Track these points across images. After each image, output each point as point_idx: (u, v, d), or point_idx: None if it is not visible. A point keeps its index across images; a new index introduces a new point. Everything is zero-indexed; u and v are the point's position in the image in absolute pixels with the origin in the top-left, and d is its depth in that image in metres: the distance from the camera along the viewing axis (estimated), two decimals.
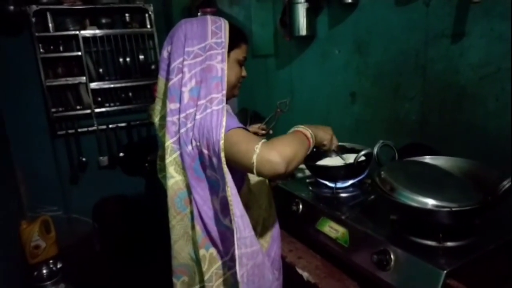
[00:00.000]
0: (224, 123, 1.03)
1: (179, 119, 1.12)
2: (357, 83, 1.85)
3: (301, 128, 1.13)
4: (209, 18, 1.16)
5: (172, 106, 1.14)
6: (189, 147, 1.10)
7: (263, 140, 0.99)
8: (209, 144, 1.05)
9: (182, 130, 1.11)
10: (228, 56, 1.15)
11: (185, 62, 1.11)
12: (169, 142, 1.16)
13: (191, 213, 1.18)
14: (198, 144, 1.09)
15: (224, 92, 1.08)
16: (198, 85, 1.10)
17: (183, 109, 1.10)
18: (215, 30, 1.13)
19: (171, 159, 1.17)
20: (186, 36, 1.12)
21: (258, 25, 2.56)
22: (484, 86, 1.31)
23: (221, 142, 1.01)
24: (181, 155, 1.14)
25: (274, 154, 0.95)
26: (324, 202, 1.37)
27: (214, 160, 1.05)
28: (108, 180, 3.73)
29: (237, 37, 1.18)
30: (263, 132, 1.64)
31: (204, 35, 1.12)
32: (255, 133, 1.60)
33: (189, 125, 1.10)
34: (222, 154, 1.01)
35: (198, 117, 1.08)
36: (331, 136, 1.23)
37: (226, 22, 1.17)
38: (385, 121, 1.72)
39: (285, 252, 1.36)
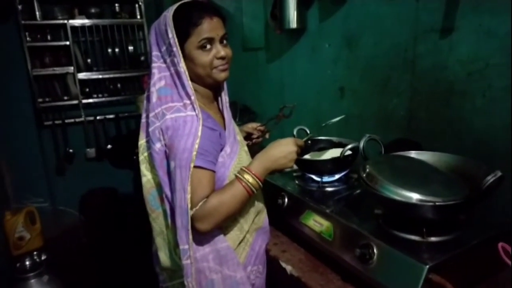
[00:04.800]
0: (199, 134, 1.04)
1: (148, 117, 1.13)
2: (346, 77, 1.84)
3: (249, 178, 1.08)
4: (163, 15, 1.12)
5: (145, 106, 1.17)
6: (158, 145, 1.11)
7: (204, 200, 1.04)
8: (172, 147, 1.06)
9: (151, 129, 1.12)
10: (183, 50, 1.09)
11: (154, 64, 1.13)
12: (143, 141, 1.20)
13: (165, 211, 1.17)
14: (165, 142, 1.09)
15: (193, 97, 1.08)
16: (168, 87, 1.11)
17: (151, 108, 1.12)
18: (165, 28, 1.09)
19: (142, 157, 1.21)
20: (152, 41, 1.15)
21: (249, 17, 2.53)
22: (472, 82, 1.30)
23: (194, 153, 1.03)
24: (150, 153, 1.14)
25: (205, 224, 1.04)
26: (310, 195, 1.36)
27: (171, 163, 1.06)
28: (95, 172, 3.69)
29: (183, 26, 1.08)
30: (258, 134, 1.50)
31: (163, 36, 1.11)
32: (250, 134, 1.50)
33: (157, 123, 1.10)
34: (192, 165, 1.03)
35: (168, 116, 1.07)
36: (292, 155, 1.15)
37: (170, 11, 1.09)
38: (374, 116, 1.71)
39: (270, 245, 1.35)
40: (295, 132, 1.56)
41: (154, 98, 1.11)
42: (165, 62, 1.12)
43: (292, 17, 1.94)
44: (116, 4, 3.53)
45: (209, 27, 1.08)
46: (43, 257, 2.60)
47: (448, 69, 1.37)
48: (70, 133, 3.56)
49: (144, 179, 1.20)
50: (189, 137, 1.03)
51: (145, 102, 1.18)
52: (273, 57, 2.40)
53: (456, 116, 1.36)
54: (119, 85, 3.63)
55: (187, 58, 1.10)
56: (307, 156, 1.49)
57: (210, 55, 1.11)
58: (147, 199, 1.21)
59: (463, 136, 1.35)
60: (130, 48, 3.59)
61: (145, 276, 2.71)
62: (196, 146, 1.03)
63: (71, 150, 3.60)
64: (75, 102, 3.43)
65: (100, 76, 3.49)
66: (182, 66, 1.08)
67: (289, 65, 2.25)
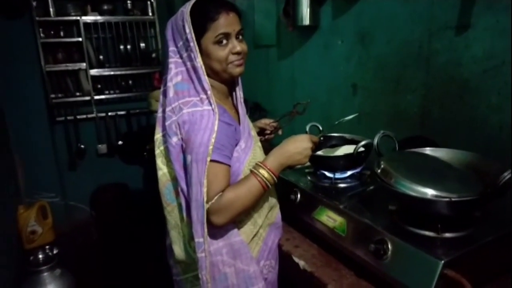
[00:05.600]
0: (216, 128, 1.05)
1: (165, 111, 1.14)
2: (359, 74, 1.83)
3: (265, 173, 1.09)
4: (180, 11, 1.13)
5: (162, 100, 1.18)
6: (174, 139, 1.11)
7: (220, 194, 1.06)
8: (188, 141, 1.06)
9: (167, 123, 1.12)
10: (200, 45, 1.10)
11: (171, 59, 1.14)
12: (159, 135, 1.21)
13: (180, 204, 1.18)
14: (182, 136, 1.10)
15: (210, 92, 1.09)
16: (184, 82, 1.12)
17: (168, 103, 1.13)
18: (182, 24, 1.10)
19: (158, 151, 1.22)
20: (168, 37, 1.15)
21: (261, 15, 2.53)
22: (487, 79, 1.29)
23: (210, 147, 1.04)
24: (167, 147, 1.15)
25: (221, 217, 1.06)
26: (323, 191, 1.36)
27: (188, 157, 1.07)
28: (106, 168, 3.74)
29: (200, 22, 1.09)
30: (271, 130, 1.51)
31: (180, 31, 1.12)
32: (263, 129, 1.51)
33: (174, 118, 1.11)
34: (208, 159, 1.04)
35: (185, 111, 1.08)
36: (307, 151, 1.17)
37: (187, 7, 1.10)
38: (386, 113, 1.71)
39: (282, 240, 1.35)
40: (307, 129, 1.56)
41: (171, 93, 1.12)
42: (181, 57, 1.13)
43: (305, 14, 1.94)
44: (128, 1, 3.57)
45: (226, 22, 1.09)
46: (55, 251, 2.63)
47: (463, 66, 1.36)
48: (81, 129, 3.60)
49: (159, 173, 1.21)
50: (205, 131, 1.04)
51: (161, 97, 1.19)
52: (284, 54, 2.40)
53: (471, 114, 1.36)
54: (130, 82, 3.67)
55: (203, 53, 1.11)
56: (319, 153, 1.49)
57: (226, 50, 1.11)
58: (162, 192, 1.22)
59: (477, 133, 1.35)
60: (142, 45, 3.62)
61: (156, 270, 2.74)
62: (213, 140, 1.04)
63: (82, 146, 3.65)
64: (87, 98, 3.48)
65: (112, 73, 3.53)
66: (199, 61, 1.09)
67: (301, 62, 2.26)
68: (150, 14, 3.62)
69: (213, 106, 1.08)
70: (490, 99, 1.29)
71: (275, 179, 1.12)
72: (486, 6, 1.26)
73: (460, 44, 1.36)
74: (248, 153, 1.19)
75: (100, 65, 3.49)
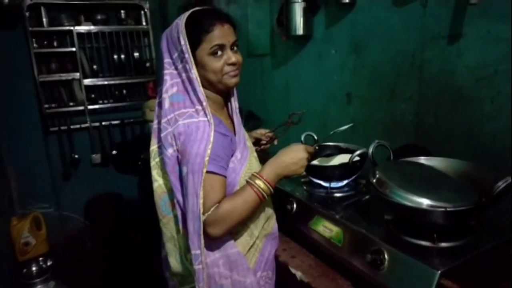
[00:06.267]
0: (211, 139, 1.05)
1: (160, 123, 1.14)
2: (353, 83, 1.84)
3: (261, 184, 1.09)
4: (175, 22, 1.13)
5: (157, 112, 1.18)
6: (170, 150, 1.11)
7: (216, 205, 1.05)
8: (184, 152, 1.06)
9: (163, 134, 1.12)
10: (195, 57, 1.11)
11: (166, 71, 1.14)
12: (154, 147, 1.21)
13: (176, 216, 1.17)
14: (178, 147, 1.10)
15: (205, 103, 1.09)
16: (180, 93, 1.12)
17: (164, 114, 1.13)
18: (177, 35, 1.10)
19: (154, 162, 1.21)
20: (163, 48, 1.16)
21: (255, 24, 2.55)
22: (480, 88, 1.31)
23: (206, 159, 1.04)
24: (162, 159, 1.15)
25: (217, 229, 1.05)
26: (318, 201, 1.36)
27: (184, 169, 1.07)
28: (101, 178, 3.71)
29: (195, 33, 1.09)
30: (267, 140, 1.51)
31: (175, 43, 1.12)
32: (258, 140, 1.51)
33: (169, 129, 1.11)
34: (204, 170, 1.04)
35: (181, 122, 1.08)
36: (303, 162, 1.16)
37: (182, 19, 1.10)
38: (381, 122, 1.72)
39: (278, 251, 1.35)
40: (302, 138, 1.57)
41: (166, 104, 1.12)
42: (176, 68, 1.13)
43: (299, 24, 1.95)
44: (122, 11, 3.57)
45: (221, 33, 1.09)
46: (49, 263, 2.60)
47: (456, 75, 1.37)
48: (75, 139, 3.58)
49: (155, 185, 1.21)
50: (201, 143, 1.04)
51: (156, 108, 1.19)
52: (278, 63, 2.41)
53: (464, 122, 1.37)
54: (124, 91, 3.66)
55: (198, 64, 1.11)
56: (315, 162, 1.49)
57: (221, 61, 1.12)
58: (158, 204, 1.21)
59: (471, 142, 1.36)
60: (136, 54, 3.61)
61: (151, 281, 2.71)
62: (209, 151, 1.04)
63: (76, 156, 3.62)
64: (81, 108, 3.46)
65: (106, 82, 3.52)
66: (194, 73, 1.09)
67: (295, 71, 2.27)
68: (144, 23, 3.62)
69: (208, 117, 1.08)
70: (483, 108, 1.30)
71: (272, 189, 1.12)
72: (478, 15, 1.27)
73: (452, 53, 1.37)
74: (244, 163, 1.19)
75: (94, 74, 3.48)
